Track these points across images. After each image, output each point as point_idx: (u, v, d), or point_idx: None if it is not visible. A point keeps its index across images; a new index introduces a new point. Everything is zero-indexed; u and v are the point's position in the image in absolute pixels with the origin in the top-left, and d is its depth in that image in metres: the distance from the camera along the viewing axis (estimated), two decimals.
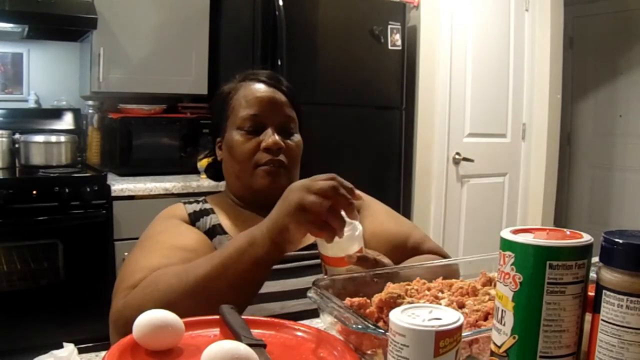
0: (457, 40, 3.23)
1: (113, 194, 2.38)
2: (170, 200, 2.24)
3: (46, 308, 2.29)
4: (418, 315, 0.56)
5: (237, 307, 0.78)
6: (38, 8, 2.40)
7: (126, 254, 1.07)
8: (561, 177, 4.00)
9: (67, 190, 2.29)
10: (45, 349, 0.71)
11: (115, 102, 2.83)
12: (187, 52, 2.85)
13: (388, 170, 2.97)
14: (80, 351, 0.73)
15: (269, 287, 1.04)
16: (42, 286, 2.31)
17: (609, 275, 0.55)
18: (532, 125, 3.60)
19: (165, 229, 1.08)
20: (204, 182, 2.54)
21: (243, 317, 0.75)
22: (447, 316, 0.55)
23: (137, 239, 1.10)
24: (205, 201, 1.18)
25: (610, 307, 0.55)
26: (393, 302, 0.73)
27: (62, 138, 2.62)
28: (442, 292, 0.81)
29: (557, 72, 3.58)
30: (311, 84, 2.64)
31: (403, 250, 1.15)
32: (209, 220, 1.12)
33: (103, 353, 0.67)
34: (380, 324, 0.72)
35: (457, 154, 3.31)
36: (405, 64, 2.95)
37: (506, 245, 0.57)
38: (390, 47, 2.87)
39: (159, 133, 2.72)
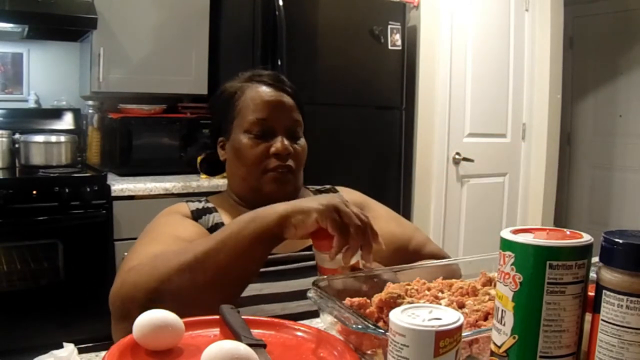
0: (457, 40, 3.23)
1: (113, 194, 2.38)
2: (170, 200, 2.25)
3: (46, 308, 2.29)
4: (418, 315, 0.56)
5: (235, 287, 0.78)
6: (38, 8, 2.40)
7: (126, 254, 1.07)
8: (561, 177, 4.00)
9: (67, 190, 2.29)
10: (45, 349, 0.71)
11: (115, 102, 2.83)
12: (187, 52, 2.85)
13: (388, 170, 2.97)
14: (80, 351, 0.73)
15: (270, 288, 1.04)
16: (42, 286, 2.31)
17: (609, 275, 0.55)
18: (532, 125, 3.60)
19: (168, 222, 1.08)
20: (204, 182, 2.54)
21: (243, 317, 0.75)
22: (447, 316, 0.55)
23: (137, 239, 1.10)
24: (207, 201, 1.19)
25: (610, 307, 0.55)
26: (393, 302, 0.73)
27: (62, 138, 2.62)
28: (442, 292, 0.81)
29: (557, 72, 3.58)
30: (311, 84, 2.64)
31: (405, 252, 1.15)
32: (211, 218, 1.12)
33: (103, 353, 0.67)
34: (380, 324, 0.72)
35: (457, 154, 3.31)
36: (405, 64, 2.95)
37: (506, 245, 0.57)
38: (390, 47, 2.87)
39: (159, 133, 2.72)
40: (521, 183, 3.63)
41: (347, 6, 2.76)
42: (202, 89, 2.89)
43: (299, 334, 0.77)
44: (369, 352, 0.70)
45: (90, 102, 2.89)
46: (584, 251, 0.56)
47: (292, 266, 1.09)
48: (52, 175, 2.39)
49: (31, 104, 2.87)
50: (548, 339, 0.56)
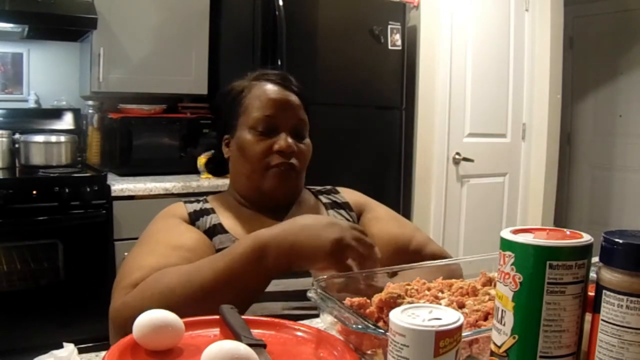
0: (457, 40, 3.23)
1: (113, 194, 2.38)
2: (170, 200, 2.24)
3: (46, 308, 2.29)
4: (418, 315, 0.56)
5: (242, 307, 0.79)
6: (38, 8, 2.40)
7: (126, 254, 1.08)
8: (561, 177, 4.00)
9: (67, 190, 2.29)
10: (45, 349, 0.71)
11: (115, 102, 2.83)
12: (187, 52, 2.85)
13: (388, 170, 2.97)
14: (80, 351, 0.73)
15: (272, 287, 1.03)
16: (42, 286, 2.31)
17: (609, 275, 0.55)
18: (532, 125, 3.60)
19: (165, 228, 1.08)
20: (204, 182, 2.54)
21: (243, 317, 0.75)
22: (447, 316, 0.55)
23: (137, 239, 1.10)
24: (206, 201, 1.18)
25: (610, 307, 0.55)
26: (393, 302, 0.73)
27: (62, 138, 2.62)
28: (442, 292, 0.81)
29: (557, 72, 3.58)
30: (311, 84, 2.64)
31: (406, 252, 1.15)
32: (209, 220, 1.12)
33: (103, 353, 0.67)
34: (380, 324, 0.72)
35: (457, 154, 3.31)
36: (405, 64, 2.95)
37: (506, 245, 0.57)
38: (390, 47, 2.87)
39: (159, 133, 2.72)
40: (521, 183, 3.63)
41: (347, 6, 2.76)
42: (202, 89, 2.89)
43: (299, 334, 0.77)
44: (369, 352, 0.70)
45: (90, 102, 2.89)
46: (584, 251, 0.56)
47: None
48: (52, 175, 2.39)
49: (31, 104, 2.87)
50: (548, 339, 0.56)
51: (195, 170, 2.67)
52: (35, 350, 0.74)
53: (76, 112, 2.93)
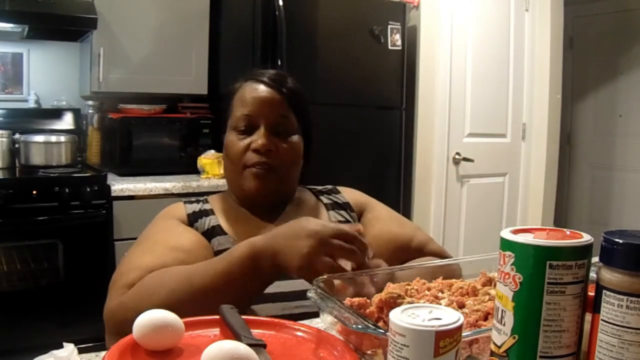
0: (457, 40, 3.23)
1: (113, 194, 2.37)
2: (170, 200, 2.24)
3: (46, 308, 2.29)
4: (418, 315, 0.56)
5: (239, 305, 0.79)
6: (38, 8, 2.39)
7: (126, 254, 1.08)
8: (561, 177, 4.00)
9: (67, 190, 2.29)
10: (45, 349, 0.71)
11: (115, 102, 2.83)
12: (187, 52, 2.85)
13: (388, 170, 2.97)
14: (80, 351, 0.73)
15: (271, 287, 1.03)
16: (42, 286, 2.31)
17: (609, 275, 0.55)
18: (532, 125, 3.60)
19: (163, 229, 1.08)
20: (204, 182, 2.54)
21: (243, 317, 0.75)
22: (447, 316, 0.55)
23: (136, 239, 1.10)
24: (206, 201, 1.18)
25: (610, 307, 0.55)
26: (393, 302, 0.73)
27: (62, 138, 2.62)
28: (442, 292, 0.81)
29: (557, 72, 3.58)
30: (311, 84, 2.64)
31: (407, 252, 1.15)
32: (208, 221, 1.12)
33: (103, 353, 0.67)
34: (380, 324, 0.72)
35: (457, 154, 3.31)
36: (405, 64, 2.95)
37: (506, 245, 0.57)
38: (390, 47, 2.87)
39: (159, 133, 2.72)
40: (521, 183, 3.63)
41: (347, 6, 2.76)
42: (202, 89, 2.89)
43: (299, 334, 0.77)
44: (369, 352, 0.70)
45: (90, 102, 2.89)
46: (584, 251, 0.56)
47: None
48: (52, 175, 2.39)
49: (31, 104, 2.87)
50: (548, 339, 0.56)
51: (195, 170, 2.67)
52: (35, 350, 0.74)
53: (76, 112, 2.93)
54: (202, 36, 2.87)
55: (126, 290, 0.92)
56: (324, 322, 0.78)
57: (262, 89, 1.14)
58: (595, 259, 0.57)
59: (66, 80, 2.97)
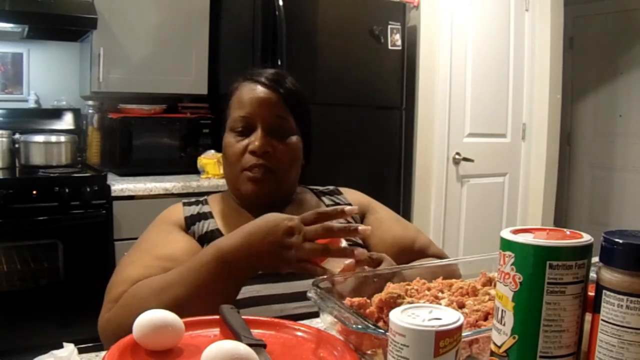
0: (457, 40, 3.23)
1: (113, 194, 2.37)
2: (170, 200, 2.24)
3: (46, 308, 2.29)
4: (418, 315, 0.56)
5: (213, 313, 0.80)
6: (38, 8, 2.39)
7: (125, 254, 1.08)
8: (561, 177, 4.00)
9: (67, 190, 2.29)
10: (45, 349, 0.71)
11: (115, 102, 2.83)
12: (187, 52, 2.85)
13: (388, 170, 2.97)
14: (80, 351, 0.73)
15: (268, 289, 1.03)
16: (42, 286, 2.31)
17: (609, 275, 0.55)
18: (532, 125, 3.60)
19: (155, 236, 1.09)
20: (204, 182, 2.54)
21: (243, 317, 0.75)
22: (447, 316, 0.55)
23: (136, 239, 1.11)
24: (205, 202, 1.18)
25: (610, 307, 0.55)
26: (393, 302, 0.73)
27: (62, 138, 2.62)
28: (442, 292, 0.81)
29: (557, 72, 3.58)
30: (311, 84, 2.64)
31: (409, 254, 1.15)
32: (205, 225, 1.11)
33: (103, 353, 0.67)
34: (380, 324, 0.72)
35: (457, 154, 3.31)
36: (405, 64, 2.95)
37: (506, 245, 0.57)
38: (390, 47, 2.87)
39: (159, 133, 2.72)
40: (521, 183, 3.63)
41: (347, 6, 2.76)
42: (202, 89, 2.89)
43: (299, 334, 0.77)
44: (369, 352, 0.70)
45: (90, 102, 2.89)
46: (584, 251, 0.56)
47: None
48: (52, 175, 2.39)
49: (31, 104, 2.87)
50: (548, 339, 0.56)
51: (195, 170, 2.67)
52: (35, 350, 0.74)
53: (76, 112, 2.93)
54: (202, 36, 2.87)
55: (113, 305, 0.94)
56: (324, 322, 0.78)
57: (259, 90, 1.13)
58: (595, 259, 0.57)
59: (66, 80, 2.97)
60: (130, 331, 0.71)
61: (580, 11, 4.23)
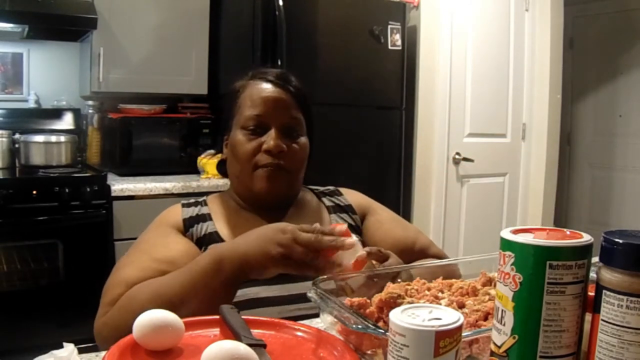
0: (457, 40, 3.23)
1: (113, 194, 2.37)
2: (170, 200, 2.24)
3: (46, 308, 2.29)
4: (418, 315, 0.56)
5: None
6: (38, 8, 2.39)
7: (126, 254, 1.08)
8: (561, 177, 4.00)
9: (67, 190, 2.29)
10: (45, 349, 0.71)
11: (115, 102, 2.83)
12: (187, 52, 2.84)
13: (388, 170, 2.96)
14: (80, 351, 0.73)
15: (267, 291, 1.03)
16: (42, 286, 2.31)
17: (609, 275, 0.55)
18: (532, 125, 3.60)
19: (152, 238, 1.09)
20: (204, 182, 2.54)
21: (243, 317, 0.75)
22: (447, 316, 0.55)
23: (136, 239, 1.10)
24: (204, 203, 1.17)
25: (610, 307, 0.55)
26: (393, 302, 0.73)
27: (62, 138, 2.62)
28: (442, 292, 0.81)
29: (557, 72, 3.58)
30: (311, 84, 2.61)
31: (410, 255, 1.15)
32: (204, 227, 1.11)
33: (103, 353, 0.67)
34: (380, 324, 0.72)
35: (457, 154, 3.31)
36: (405, 64, 2.95)
37: (506, 245, 0.57)
38: (390, 47, 2.87)
39: (159, 133, 2.72)
40: (521, 183, 3.63)
41: (347, 6, 2.76)
42: (202, 89, 2.89)
43: (299, 334, 0.77)
44: (369, 352, 0.70)
45: (90, 102, 2.89)
46: (584, 251, 0.56)
47: None
48: (52, 175, 2.39)
49: (31, 104, 2.87)
50: (548, 339, 0.56)
51: (195, 170, 2.67)
52: (35, 350, 0.74)
53: (76, 112, 2.93)
54: (202, 36, 2.87)
55: (109, 308, 0.95)
56: (324, 322, 0.79)
57: (271, 89, 1.14)
58: (595, 259, 0.57)
59: (66, 80, 2.97)
60: (125, 334, 0.71)
61: (580, 11, 4.23)
